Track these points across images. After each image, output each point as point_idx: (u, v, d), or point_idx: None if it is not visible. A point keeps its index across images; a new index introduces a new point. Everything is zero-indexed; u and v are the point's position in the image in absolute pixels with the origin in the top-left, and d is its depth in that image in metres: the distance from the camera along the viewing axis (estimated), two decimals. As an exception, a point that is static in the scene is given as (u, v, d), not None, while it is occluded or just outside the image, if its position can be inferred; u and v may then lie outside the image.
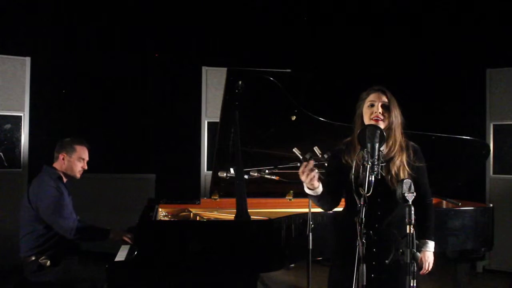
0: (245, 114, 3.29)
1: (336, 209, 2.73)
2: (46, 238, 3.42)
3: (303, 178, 2.33)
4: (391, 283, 2.46)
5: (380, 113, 2.49)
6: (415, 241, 2.08)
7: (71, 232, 3.38)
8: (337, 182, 2.54)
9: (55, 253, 3.42)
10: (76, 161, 3.58)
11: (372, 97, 2.54)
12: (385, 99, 2.52)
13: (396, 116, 2.52)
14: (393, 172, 2.47)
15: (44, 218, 3.40)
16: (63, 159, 3.56)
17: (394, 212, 2.49)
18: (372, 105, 2.52)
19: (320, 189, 2.42)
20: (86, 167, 3.64)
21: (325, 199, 2.50)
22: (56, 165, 3.58)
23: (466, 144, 4.07)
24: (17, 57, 5.51)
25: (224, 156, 3.52)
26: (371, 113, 2.51)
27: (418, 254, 2.11)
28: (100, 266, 3.11)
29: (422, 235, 2.57)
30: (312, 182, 2.33)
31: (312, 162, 2.32)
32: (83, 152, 3.60)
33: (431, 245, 2.61)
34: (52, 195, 3.43)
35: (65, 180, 3.61)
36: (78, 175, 3.62)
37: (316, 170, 2.32)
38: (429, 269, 2.64)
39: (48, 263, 3.39)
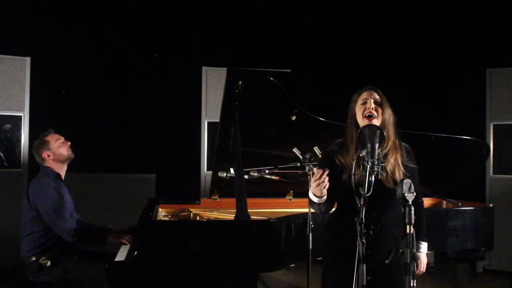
0: (245, 114, 3.29)
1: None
2: (46, 239, 3.42)
3: (313, 185, 2.31)
4: (387, 285, 2.45)
5: (373, 108, 2.48)
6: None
7: (69, 234, 3.37)
8: (331, 183, 2.53)
9: (55, 254, 3.42)
10: (57, 147, 3.55)
11: (364, 95, 2.54)
12: (376, 96, 2.52)
13: (389, 115, 2.52)
14: (388, 171, 2.46)
15: (44, 218, 3.40)
16: (48, 156, 3.54)
17: (389, 212, 2.48)
18: (364, 103, 2.51)
19: (325, 197, 2.40)
20: (69, 143, 3.59)
21: (325, 204, 2.48)
22: (47, 164, 3.57)
23: (466, 144, 4.07)
24: (17, 57, 5.51)
25: (224, 156, 3.52)
26: (364, 110, 2.49)
27: (419, 254, 2.11)
28: (100, 266, 3.11)
29: (416, 237, 2.57)
30: (322, 190, 2.31)
31: (326, 171, 2.28)
32: (55, 136, 3.58)
33: (424, 246, 2.60)
34: (52, 196, 3.43)
35: (63, 177, 3.60)
36: (70, 154, 3.59)
37: (327, 179, 2.29)
38: (423, 271, 2.63)
39: (49, 263, 3.39)
